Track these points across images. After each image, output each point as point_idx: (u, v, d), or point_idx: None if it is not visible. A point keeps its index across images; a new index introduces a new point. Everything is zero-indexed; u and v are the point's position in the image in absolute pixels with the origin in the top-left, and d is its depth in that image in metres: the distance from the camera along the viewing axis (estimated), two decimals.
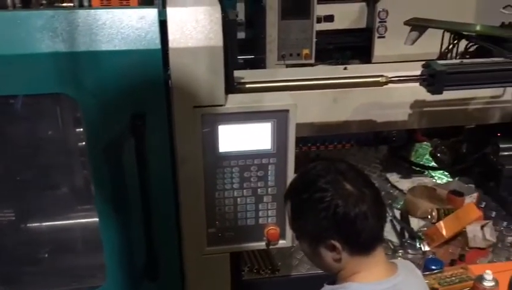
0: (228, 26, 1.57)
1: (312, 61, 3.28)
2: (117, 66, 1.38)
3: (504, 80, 1.91)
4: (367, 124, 2.09)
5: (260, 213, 1.60)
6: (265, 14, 3.14)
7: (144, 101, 1.40)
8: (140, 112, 1.37)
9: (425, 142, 2.70)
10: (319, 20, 3.41)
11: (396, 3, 3.28)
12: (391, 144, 2.69)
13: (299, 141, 2.64)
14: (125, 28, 1.37)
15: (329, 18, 3.49)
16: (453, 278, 1.56)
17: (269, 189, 1.57)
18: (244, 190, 1.56)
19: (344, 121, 2.07)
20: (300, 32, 3.18)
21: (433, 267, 1.63)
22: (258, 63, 3.36)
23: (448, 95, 2.01)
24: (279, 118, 1.50)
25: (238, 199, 1.57)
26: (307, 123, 2.06)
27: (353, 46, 3.69)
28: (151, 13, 1.36)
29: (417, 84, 1.87)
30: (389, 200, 2.27)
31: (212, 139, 1.48)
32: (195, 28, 1.35)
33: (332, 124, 2.08)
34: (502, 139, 2.13)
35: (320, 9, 3.40)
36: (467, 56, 2.32)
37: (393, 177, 2.43)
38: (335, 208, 1.13)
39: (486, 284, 1.42)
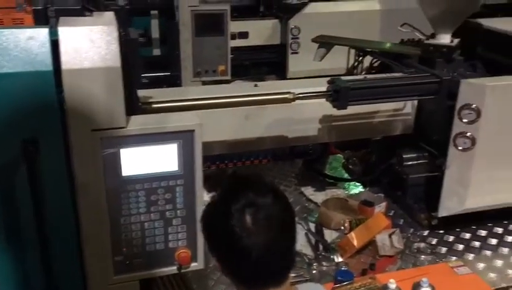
0: (129, 45, 1.53)
1: (228, 77, 3.29)
2: (6, 90, 1.28)
3: (403, 95, 2.02)
4: (279, 140, 2.12)
5: (170, 237, 1.55)
6: (179, 31, 3.12)
7: (37, 125, 1.31)
8: (33, 136, 1.29)
9: (338, 155, 2.79)
10: (233, 37, 3.45)
11: (307, 21, 3.39)
12: (306, 157, 2.75)
13: (215, 158, 2.65)
14: (13, 49, 1.28)
15: (244, 35, 3.54)
16: (362, 289, 1.60)
17: (178, 211, 1.53)
18: (152, 214, 1.51)
19: (257, 137, 2.09)
20: (215, 49, 3.19)
21: (343, 279, 1.66)
22: (174, 80, 3.33)
23: (354, 109, 2.09)
24: (184, 138, 1.47)
25: (146, 224, 1.51)
26: (219, 141, 2.05)
27: (269, 61, 3.77)
28: (42, 33, 1.29)
29: (324, 100, 1.94)
30: (304, 214, 2.31)
31: (114, 163, 1.41)
32: (90, 48, 1.30)
33: (245, 141, 2.08)
34: (405, 150, 2.24)
35: (235, 26, 3.44)
36: (372, 71, 2.43)
37: (308, 191, 2.48)
38: (237, 241, 1.08)
39: None
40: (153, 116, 1.54)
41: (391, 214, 2.31)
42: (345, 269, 1.82)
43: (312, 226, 2.23)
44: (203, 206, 1.25)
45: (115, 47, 1.32)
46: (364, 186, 2.53)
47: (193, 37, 3.13)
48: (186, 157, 1.49)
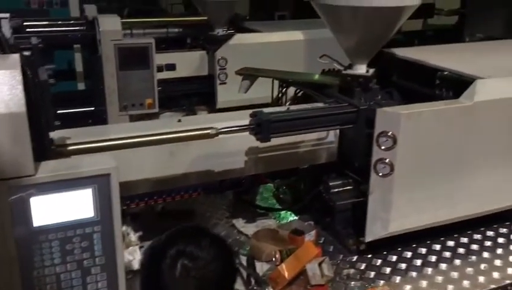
0: (39, 88, 1.46)
1: (156, 110, 3.25)
2: None
3: (323, 125, 2.07)
4: (205, 174, 2.10)
5: (89, 287, 1.47)
6: (102, 65, 3.06)
7: None
8: None
9: (268, 184, 2.80)
10: (160, 69, 3.42)
11: (233, 52, 3.44)
12: (236, 188, 2.75)
13: (144, 194, 2.58)
14: None
15: (171, 66, 3.53)
16: None
17: (97, 259, 1.46)
18: (68, 264, 1.42)
19: (182, 173, 2.05)
20: (141, 82, 3.15)
21: None
22: (100, 115, 3.24)
23: (278, 140, 2.12)
24: (100, 183, 1.41)
25: (62, 275, 1.42)
26: (144, 179, 2.00)
27: (198, 92, 3.77)
28: None
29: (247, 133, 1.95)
30: (236, 247, 2.28)
31: (23, 213, 1.33)
32: None
33: (170, 177, 2.05)
34: (331, 177, 2.28)
35: (161, 58, 3.42)
36: (296, 101, 2.49)
37: (239, 223, 2.46)
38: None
39: None
40: (65, 160, 1.48)
41: (321, 241, 2.34)
42: None
43: (244, 259, 2.21)
44: (126, 251, 1.22)
45: (19, 91, 1.26)
46: (295, 214, 2.55)
47: (117, 70, 3.07)
48: (102, 202, 1.43)
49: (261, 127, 1.89)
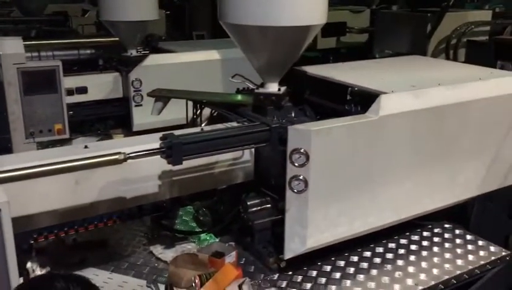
0: None
1: (67, 135, 3.09)
2: None
3: (236, 145, 2.06)
4: (116, 202, 2.01)
5: None
6: (4, 90, 2.87)
7: None
8: None
9: (188, 207, 2.74)
10: (70, 93, 3.28)
11: (148, 73, 3.37)
12: (155, 213, 2.66)
13: (53, 226, 2.42)
14: None
15: (82, 90, 3.40)
16: None
17: None
18: None
19: (90, 203, 1.95)
20: (49, 107, 2.99)
21: None
22: (4, 144, 3.02)
23: (193, 162, 2.08)
24: None
25: None
26: (48, 211, 1.87)
27: (113, 115, 3.65)
28: None
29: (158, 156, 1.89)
30: (154, 276, 2.19)
31: None
32: None
33: (77, 208, 1.93)
34: (248, 196, 2.27)
35: (70, 82, 3.28)
36: (212, 121, 2.46)
37: (157, 249, 2.37)
38: None
39: None
40: None
41: (242, 262, 2.31)
42: None
43: (162, 287, 2.12)
44: None
45: None
46: (216, 236, 2.50)
47: (22, 96, 2.90)
48: None
49: (172, 150, 1.84)
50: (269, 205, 2.28)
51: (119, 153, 1.78)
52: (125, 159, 1.79)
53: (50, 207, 1.85)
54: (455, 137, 2.37)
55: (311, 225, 2.08)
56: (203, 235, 2.50)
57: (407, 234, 2.54)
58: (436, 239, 2.52)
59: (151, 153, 1.85)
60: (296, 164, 2.01)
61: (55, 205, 1.88)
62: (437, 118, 2.28)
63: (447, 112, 2.30)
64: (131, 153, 1.81)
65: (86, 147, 1.98)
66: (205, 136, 1.98)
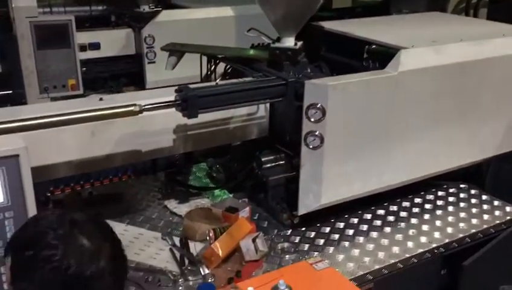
0: None
1: (80, 91, 3.07)
2: None
3: (252, 99, 2.03)
4: (131, 155, 2.01)
5: (3, 277, 1.36)
6: (18, 44, 2.84)
7: None
8: None
9: (202, 163, 2.74)
10: (83, 49, 3.24)
11: (161, 29, 3.30)
12: (169, 169, 2.67)
13: (69, 179, 2.44)
14: None
15: (95, 46, 3.35)
16: None
17: None
18: None
19: (106, 155, 1.95)
20: (62, 62, 2.95)
21: None
22: (19, 99, 3.02)
23: (208, 116, 2.06)
24: (8, 165, 1.30)
25: None
26: (64, 162, 1.88)
27: (126, 72, 3.61)
28: None
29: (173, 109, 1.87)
30: (168, 229, 2.22)
31: None
32: None
33: (93, 159, 1.94)
34: (262, 153, 2.26)
35: (83, 37, 3.23)
36: (227, 77, 2.43)
37: (172, 204, 2.39)
38: (66, 270, 0.99)
39: None
40: None
41: (256, 217, 2.32)
42: (207, 282, 1.76)
43: (177, 240, 2.15)
44: None
45: None
46: (229, 192, 2.51)
47: (35, 50, 2.87)
48: (13, 186, 1.32)
49: (188, 103, 1.82)
50: (283, 162, 2.26)
51: (134, 104, 1.77)
52: (140, 111, 1.77)
53: (67, 158, 1.86)
54: (475, 95, 2.32)
55: (325, 182, 2.07)
56: (216, 191, 2.51)
57: (422, 193, 2.52)
58: (451, 199, 2.50)
59: (166, 105, 1.83)
60: (312, 120, 1.99)
61: (72, 156, 1.88)
62: (458, 74, 2.22)
63: (469, 69, 2.24)
64: (146, 105, 1.79)
65: (101, 99, 1.97)
66: (221, 90, 1.95)
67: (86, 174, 2.49)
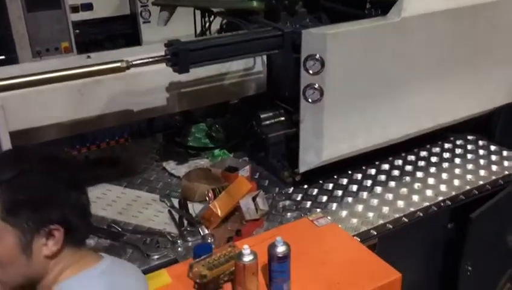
0: None
1: (74, 54, 2.99)
2: None
3: (247, 51, 1.93)
4: (123, 114, 1.94)
5: None
6: (7, 7, 2.74)
7: None
8: None
9: (201, 124, 2.67)
10: (75, 10, 3.12)
11: None
12: (166, 130, 2.60)
13: (63, 143, 2.38)
14: None
15: (88, 6, 3.23)
16: (221, 259, 1.52)
17: None
18: None
19: (97, 115, 1.88)
20: (53, 24, 2.85)
21: (202, 253, 1.56)
22: (11, 64, 2.94)
23: (202, 72, 1.98)
24: None
25: None
26: (53, 124, 1.81)
27: (122, 33, 3.50)
28: None
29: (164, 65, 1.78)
30: (167, 191, 2.17)
31: None
32: None
33: (84, 120, 1.87)
34: (261, 110, 2.18)
35: None
36: (222, 32, 2.32)
37: (170, 165, 2.33)
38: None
39: (245, 259, 1.40)
40: None
41: (257, 176, 2.26)
42: (204, 242, 1.72)
43: (176, 202, 2.10)
44: None
45: None
46: (229, 152, 2.44)
47: (25, 12, 2.77)
48: None
49: (178, 57, 1.73)
50: (283, 118, 2.19)
51: (121, 60, 1.68)
52: (128, 67, 1.69)
53: (56, 119, 1.80)
54: (484, 41, 2.19)
55: (326, 137, 1.99)
56: (216, 151, 2.44)
57: (428, 146, 2.44)
58: (458, 151, 2.42)
59: (155, 60, 1.74)
60: (311, 72, 1.89)
61: (61, 117, 1.82)
62: (465, 19, 2.09)
63: (476, 13, 2.11)
64: (134, 61, 1.71)
65: (88, 57, 1.89)
66: (213, 42, 1.85)
67: (81, 138, 2.44)
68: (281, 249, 1.40)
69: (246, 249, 1.38)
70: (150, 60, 1.74)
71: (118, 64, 1.67)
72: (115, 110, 1.90)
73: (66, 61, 1.99)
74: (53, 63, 1.90)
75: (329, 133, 1.99)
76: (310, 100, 1.93)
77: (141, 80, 1.89)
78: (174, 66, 1.75)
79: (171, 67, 1.76)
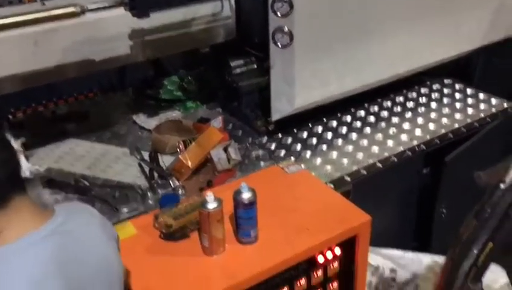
0: None
1: (39, 4, 2.84)
2: None
3: None
4: (85, 64, 1.85)
5: None
6: None
7: None
8: None
9: (173, 76, 2.58)
10: None
11: None
12: (137, 84, 2.52)
13: (30, 99, 2.30)
14: None
15: None
16: (188, 208, 1.48)
17: None
18: None
19: (55, 66, 1.79)
20: None
21: (168, 204, 1.52)
22: None
23: (168, 19, 1.88)
24: None
25: None
26: (7, 76, 1.73)
27: None
28: None
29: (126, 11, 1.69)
30: (137, 144, 2.11)
31: None
32: None
33: (41, 71, 1.78)
34: (232, 57, 2.10)
35: None
36: None
37: (141, 118, 2.26)
38: None
39: (209, 206, 1.36)
40: None
41: (230, 127, 2.20)
42: (167, 194, 1.67)
43: (146, 155, 2.04)
44: None
45: None
46: (202, 104, 2.38)
47: None
48: None
49: (136, 0, 1.63)
50: (255, 66, 2.11)
51: (75, 5, 1.58)
52: (83, 12, 1.59)
53: (9, 71, 1.70)
54: None
55: (298, 83, 1.93)
56: (188, 103, 2.37)
57: (404, 91, 2.39)
58: (434, 95, 2.38)
59: (112, 5, 1.64)
60: (279, 14, 1.80)
61: (15, 69, 1.72)
62: None
63: None
64: (90, 6, 1.61)
65: (43, 4, 1.78)
66: None
67: (48, 94, 2.35)
68: (246, 195, 1.36)
69: (210, 196, 1.34)
70: (106, 4, 1.64)
71: (72, 9, 1.57)
72: (74, 60, 1.81)
73: (20, 8, 1.87)
74: (4, 10, 1.78)
75: (301, 80, 1.93)
76: (279, 45, 1.85)
77: (101, 27, 1.79)
78: (132, 10, 1.66)
79: (129, 11, 1.66)
